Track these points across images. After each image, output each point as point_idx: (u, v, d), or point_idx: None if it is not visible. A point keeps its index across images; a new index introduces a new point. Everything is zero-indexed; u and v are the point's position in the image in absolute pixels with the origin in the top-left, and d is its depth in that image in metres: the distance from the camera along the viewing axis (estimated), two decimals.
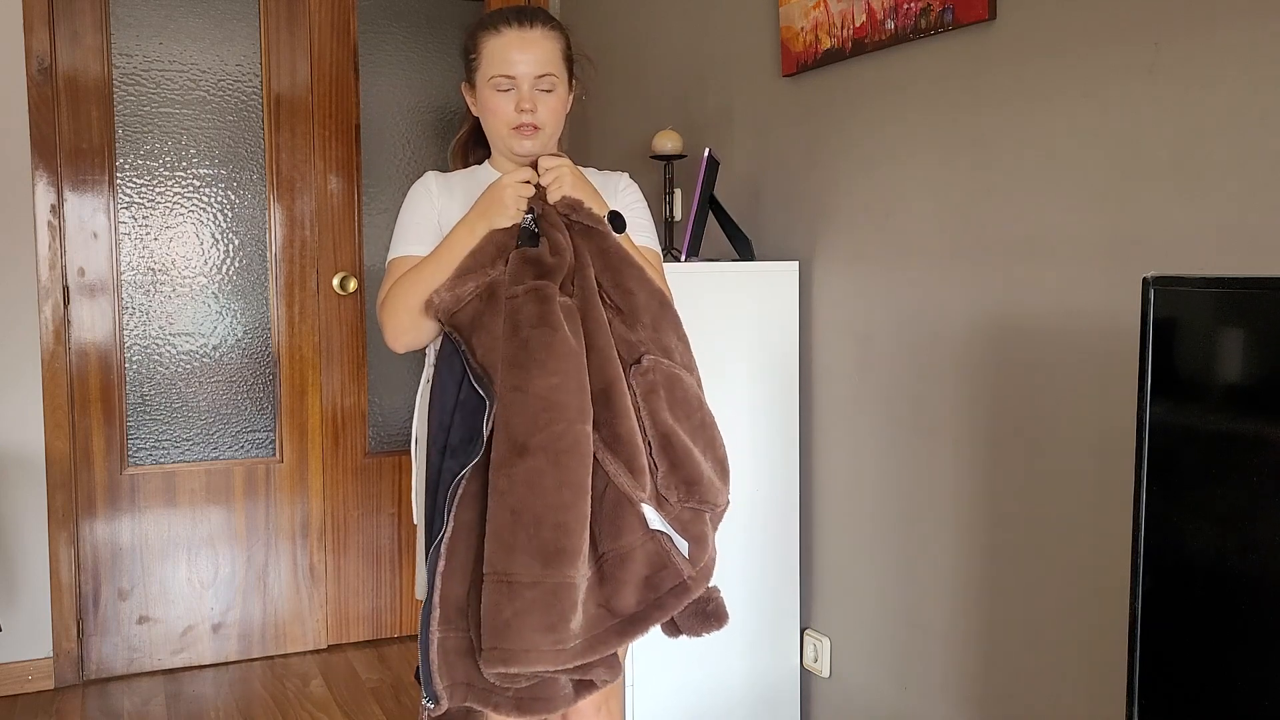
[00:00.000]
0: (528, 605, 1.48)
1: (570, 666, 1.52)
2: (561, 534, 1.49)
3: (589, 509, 1.53)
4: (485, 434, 1.56)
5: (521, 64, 1.69)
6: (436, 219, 1.74)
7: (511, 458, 1.51)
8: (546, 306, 1.56)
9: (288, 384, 3.28)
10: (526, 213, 1.66)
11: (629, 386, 1.61)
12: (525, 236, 1.66)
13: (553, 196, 1.65)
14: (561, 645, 1.50)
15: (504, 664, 1.48)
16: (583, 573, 1.53)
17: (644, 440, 1.60)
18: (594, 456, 1.56)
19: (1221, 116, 1.51)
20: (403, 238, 1.74)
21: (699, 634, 1.67)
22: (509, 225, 1.64)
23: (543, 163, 1.67)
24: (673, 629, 1.67)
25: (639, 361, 1.62)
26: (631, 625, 1.58)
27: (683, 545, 1.61)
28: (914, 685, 2.13)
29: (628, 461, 1.56)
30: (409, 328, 1.66)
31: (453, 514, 1.57)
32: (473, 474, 1.57)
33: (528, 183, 1.65)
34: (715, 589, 1.69)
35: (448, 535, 1.57)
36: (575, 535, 1.50)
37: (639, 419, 1.60)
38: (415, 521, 1.77)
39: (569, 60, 1.76)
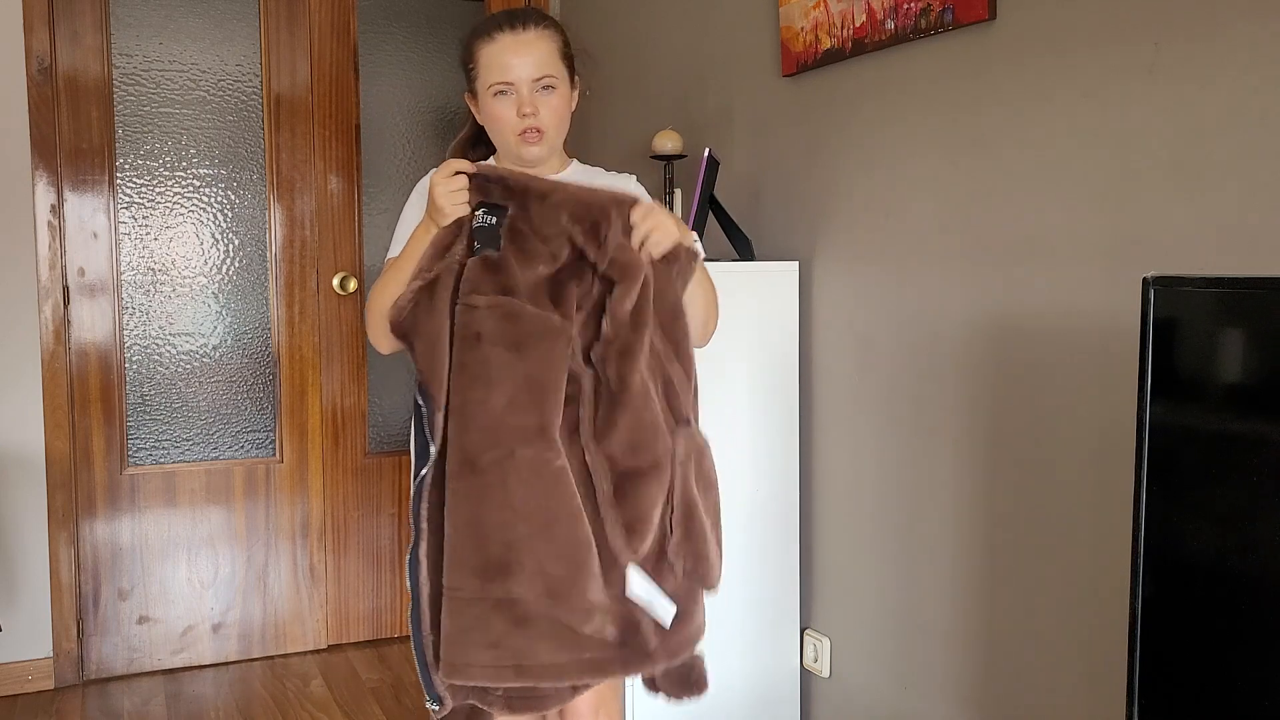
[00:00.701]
0: (470, 621, 1.48)
1: (523, 685, 1.52)
2: (505, 550, 1.47)
3: (543, 528, 1.49)
4: (434, 442, 1.54)
5: (518, 68, 1.66)
6: None
7: (463, 472, 1.50)
8: (515, 325, 1.50)
9: (288, 384, 3.28)
10: (480, 209, 1.56)
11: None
12: (483, 236, 1.56)
13: (660, 249, 1.55)
14: (503, 662, 1.48)
15: (449, 675, 1.49)
16: (536, 591, 1.49)
17: (668, 502, 1.57)
18: (597, 508, 1.54)
19: (1221, 116, 1.51)
20: (395, 240, 1.75)
21: (678, 698, 1.65)
22: (449, 224, 1.57)
23: (638, 212, 1.55)
24: (652, 685, 1.66)
25: (688, 423, 1.61)
26: (594, 671, 1.56)
27: (666, 612, 1.58)
28: (914, 685, 2.13)
29: (629, 523, 1.54)
30: (383, 334, 1.65)
31: (424, 520, 1.57)
32: (434, 480, 1.56)
33: (459, 174, 1.56)
34: (699, 657, 1.67)
35: (423, 542, 1.57)
36: (519, 551, 1.48)
37: (671, 481, 1.57)
38: None
39: (568, 58, 1.74)
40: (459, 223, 1.57)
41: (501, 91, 1.68)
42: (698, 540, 1.59)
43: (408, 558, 1.61)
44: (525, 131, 1.68)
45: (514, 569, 1.47)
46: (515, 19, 1.70)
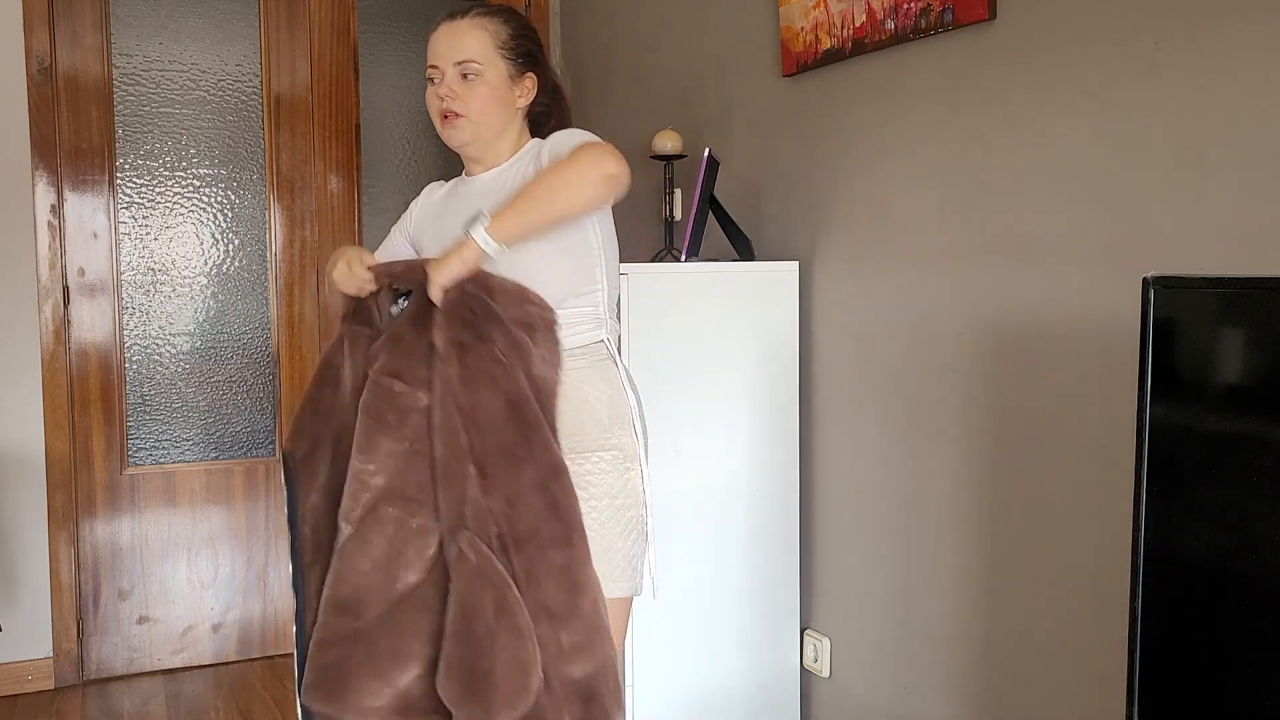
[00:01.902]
0: (320, 654, 1.60)
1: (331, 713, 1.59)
2: (355, 592, 1.59)
3: (390, 581, 1.56)
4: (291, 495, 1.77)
5: (441, 54, 1.70)
6: (411, 228, 1.85)
7: (342, 525, 1.63)
8: (387, 401, 1.58)
9: (288, 384, 3.28)
10: (402, 296, 1.64)
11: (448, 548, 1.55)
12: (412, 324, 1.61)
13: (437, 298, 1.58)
14: (319, 686, 1.59)
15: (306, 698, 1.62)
16: (366, 629, 1.57)
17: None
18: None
19: (1221, 116, 1.51)
20: (384, 243, 1.90)
21: None
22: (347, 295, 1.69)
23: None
24: None
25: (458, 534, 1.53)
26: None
27: None
28: (914, 685, 2.13)
29: None
30: None
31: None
32: (325, 510, 1.79)
33: (367, 268, 1.65)
34: None
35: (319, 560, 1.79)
36: (357, 595, 1.58)
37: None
38: None
39: (514, 52, 1.72)
40: (355, 297, 1.68)
41: (429, 76, 1.74)
42: (476, 653, 1.48)
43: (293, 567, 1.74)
44: (445, 115, 1.71)
45: (357, 607, 1.58)
46: (458, 11, 1.74)
